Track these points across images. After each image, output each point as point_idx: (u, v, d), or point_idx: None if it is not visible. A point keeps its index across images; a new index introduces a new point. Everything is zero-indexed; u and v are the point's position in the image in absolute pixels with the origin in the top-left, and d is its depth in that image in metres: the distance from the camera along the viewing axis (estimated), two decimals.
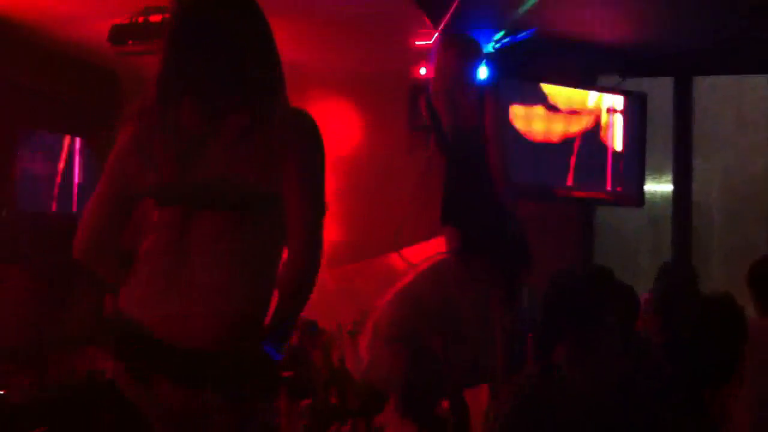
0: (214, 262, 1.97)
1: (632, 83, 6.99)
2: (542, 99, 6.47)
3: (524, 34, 5.85)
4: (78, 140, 6.46)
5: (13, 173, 5.92)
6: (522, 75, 6.16)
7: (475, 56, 3.85)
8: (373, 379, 3.39)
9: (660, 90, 7.11)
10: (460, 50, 3.80)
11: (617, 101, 6.73)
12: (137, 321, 1.97)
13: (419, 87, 6.06)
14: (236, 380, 1.96)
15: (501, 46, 6.01)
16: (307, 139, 2.06)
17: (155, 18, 5.27)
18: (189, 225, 2.00)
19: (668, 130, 7.16)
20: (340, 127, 7.13)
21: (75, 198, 6.61)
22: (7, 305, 5.27)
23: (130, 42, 5.31)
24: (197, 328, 1.93)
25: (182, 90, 2.04)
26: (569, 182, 6.59)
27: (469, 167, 3.60)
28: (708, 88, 7.25)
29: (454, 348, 3.32)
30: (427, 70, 5.95)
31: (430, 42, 5.66)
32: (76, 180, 6.58)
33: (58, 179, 6.44)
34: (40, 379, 4.67)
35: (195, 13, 2.07)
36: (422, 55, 6.00)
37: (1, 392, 4.43)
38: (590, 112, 6.64)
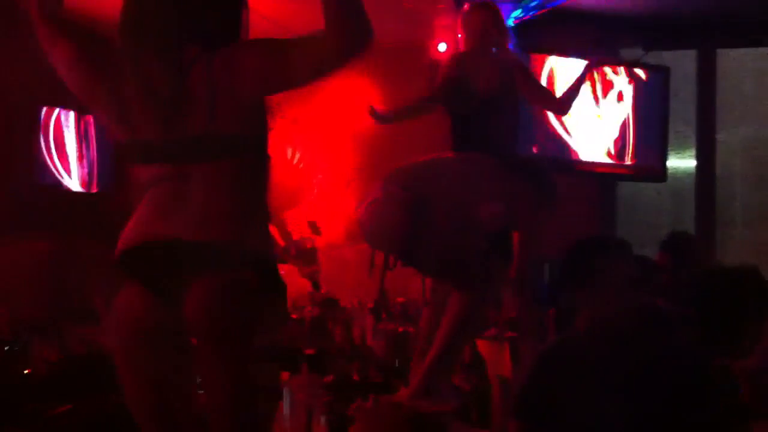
0: (210, 205, 2.01)
1: (654, 56, 6.91)
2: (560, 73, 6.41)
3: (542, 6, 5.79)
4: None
5: (35, 149, 5.98)
6: (542, 49, 6.10)
7: (504, 22, 3.89)
8: (376, 233, 3.41)
9: (682, 62, 7.04)
10: (492, 14, 3.82)
11: (640, 75, 6.65)
12: (147, 242, 2.02)
13: (438, 63, 6.03)
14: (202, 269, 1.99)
15: (520, 21, 5.96)
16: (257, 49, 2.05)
17: None
18: (179, 177, 2.02)
19: (691, 104, 7.09)
20: (359, 103, 7.11)
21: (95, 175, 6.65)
22: (29, 277, 5.33)
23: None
24: (164, 233, 2.00)
25: (144, 44, 2.04)
26: (591, 157, 6.54)
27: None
28: (728, 60, 7.15)
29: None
30: (448, 43, 5.92)
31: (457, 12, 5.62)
32: (93, 156, 6.63)
33: (78, 155, 6.48)
34: (61, 352, 4.71)
35: None
36: (441, 30, 5.96)
37: (27, 371, 4.47)
38: (612, 86, 6.57)
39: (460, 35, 3.92)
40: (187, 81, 2.01)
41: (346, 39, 2.00)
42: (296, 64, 2.05)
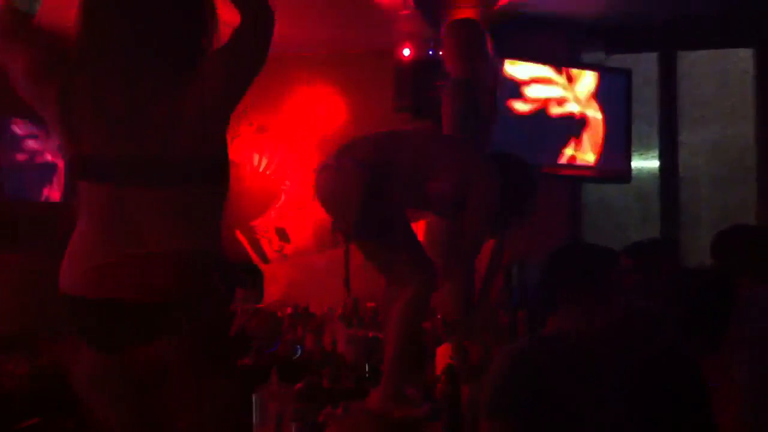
0: (157, 233, 1.94)
1: (616, 59, 7.00)
2: (525, 78, 6.46)
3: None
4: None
5: (1, 162, 5.91)
6: (504, 55, 6.14)
7: (484, 37, 3.94)
8: (328, 199, 3.38)
9: (643, 65, 7.13)
10: (475, 32, 3.89)
11: (601, 78, 6.72)
12: (86, 298, 1.93)
13: (403, 68, 6.06)
14: (194, 320, 1.95)
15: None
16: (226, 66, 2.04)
17: None
18: (125, 200, 1.95)
19: (653, 105, 7.19)
20: (325, 110, 7.12)
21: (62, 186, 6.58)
22: (3, 293, 5.28)
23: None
24: (151, 284, 1.91)
25: (101, 54, 1.98)
26: (555, 160, 6.59)
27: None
28: (691, 60, 7.25)
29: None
30: (411, 48, 5.95)
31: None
32: (60, 167, 6.55)
33: (41, 166, 6.41)
34: (32, 367, 4.67)
35: None
36: (405, 36, 5.99)
37: None
38: (574, 89, 6.63)
39: (443, 51, 3.97)
40: (152, 100, 1.96)
41: (254, 13, 2.09)
42: (237, 58, 2.06)
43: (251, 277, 4.62)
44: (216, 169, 2.03)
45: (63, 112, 1.96)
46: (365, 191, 3.23)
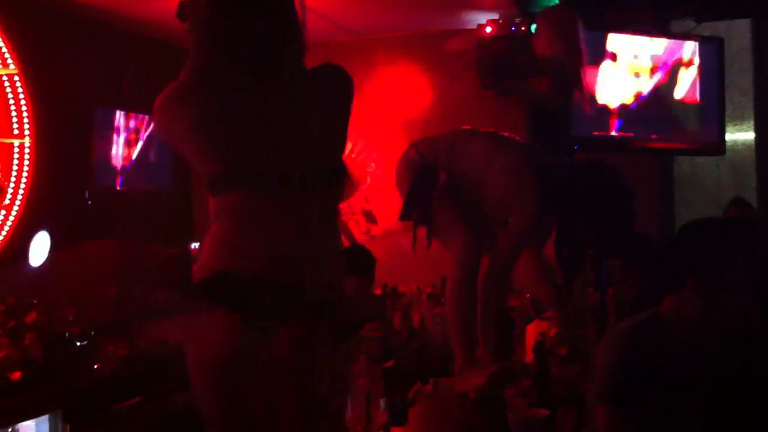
0: (297, 232, 2.05)
1: (707, 27, 6.77)
2: (614, 50, 6.32)
3: None
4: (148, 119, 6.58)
5: (91, 153, 6.09)
6: (590, 26, 6.02)
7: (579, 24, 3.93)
8: (396, 182, 3.59)
9: (736, 32, 6.88)
10: (572, 21, 3.88)
11: (692, 47, 6.53)
12: (241, 271, 2.03)
13: (485, 45, 6.01)
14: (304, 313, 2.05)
15: None
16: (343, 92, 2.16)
17: None
18: (267, 204, 2.05)
19: (748, 74, 6.94)
20: (410, 91, 7.12)
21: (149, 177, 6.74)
22: (99, 280, 5.47)
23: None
24: (298, 269, 2.02)
25: (229, 78, 2.07)
26: (646, 133, 6.45)
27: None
28: None
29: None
30: (492, 26, 5.89)
31: None
32: (151, 159, 6.71)
33: (133, 158, 6.57)
34: (131, 351, 4.83)
35: None
36: (488, 13, 5.94)
37: (96, 365, 4.60)
38: (664, 60, 6.46)
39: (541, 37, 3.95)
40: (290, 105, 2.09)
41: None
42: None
43: (364, 262, 4.69)
44: (338, 176, 2.17)
45: (199, 137, 2.06)
46: (415, 179, 3.45)
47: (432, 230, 3.50)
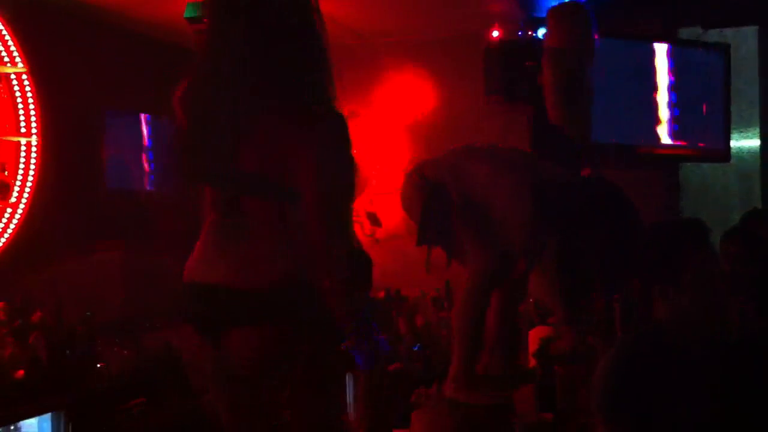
0: (263, 231, 2.07)
1: (714, 34, 6.77)
2: (619, 56, 6.32)
3: None
4: (160, 120, 6.59)
5: (103, 154, 6.10)
6: (600, 32, 6.01)
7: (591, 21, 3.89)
8: (404, 207, 3.64)
9: (744, 40, 6.87)
10: (584, 17, 3.84)
11: (699, 54, 6.52)
12: (197, 282, 2.08)
13: (492, 50, 6.01)
14: (294, 313, 2.05)
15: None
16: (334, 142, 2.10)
17: None
18: (238, 205, 2.09)
19: (754, 82, 6.93)
20: (416, 95, 7.12)
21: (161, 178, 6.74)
22: (106, 282, 5.48)
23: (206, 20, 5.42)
24: (254, 274, 2.03)
25: (228, 81, 2.07)
26: (652, 140, 6.44)
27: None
28: None
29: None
30: (500, 30, 5.89)
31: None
32: (163, 160, 6.70)
33: (143, 159, 6.58)
34: (136, 352, 4.84)
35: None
36: (494, 17, 5.94)
37: (100, 365, 4.61)
38: (671, 67, 6.46)
39: (550, 32, 3.92)
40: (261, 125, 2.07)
41: None
42: None
43: (360, 264, 4.68)
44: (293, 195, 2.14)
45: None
46: (426, 202, 3.47)
47: (451, 251, 3.51)
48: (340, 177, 2.09)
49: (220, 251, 2.08)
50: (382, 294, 6.42)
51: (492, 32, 5.97)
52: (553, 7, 4.01)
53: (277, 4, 2.09)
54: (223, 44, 2.09)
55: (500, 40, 5.99)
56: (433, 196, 3.46)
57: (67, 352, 4.46)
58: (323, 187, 2.05)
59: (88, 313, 4.81)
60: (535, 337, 4.04)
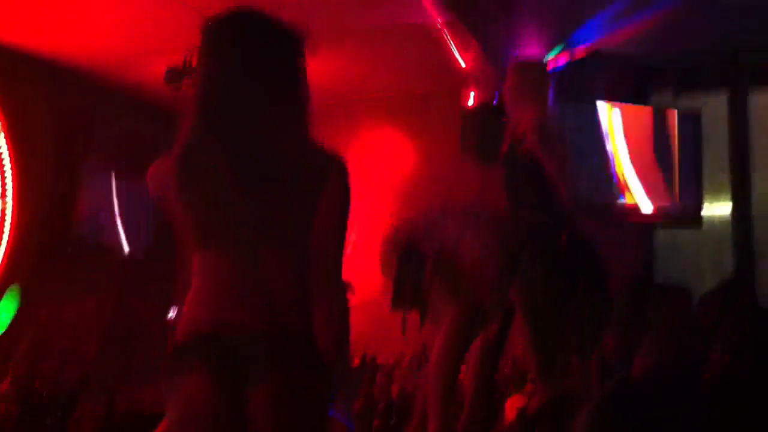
0: (257, 280, 2.03)
1: (685, 100, 6.90)
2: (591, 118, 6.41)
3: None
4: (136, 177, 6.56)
5: (78, 210, 6.07)
6: (572, 95, 6.11)
7: (549, 80, 3.96)
8: (382, 270, 3.70)
9: (714, 105, 7.00)
10: (541, 74, 3.91)
11: (671, 119, 6.63)
12: (189, 321, 2.03)
13: (469, 114, 6.07)
14: (278, 362, 1.98)
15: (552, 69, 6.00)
16: (338, 185, 2.15)
17: None
18: (233, 256, 2.04)
19: (724, 147, 7.02)
20: (393, 152, 7.14)
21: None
22: (82, 337, 5.40)
23: (186, 80, 5.47)
24: (240, 321, 1.99)
25: (211, 133, 2.05)
26: (625, 204, 6.50)
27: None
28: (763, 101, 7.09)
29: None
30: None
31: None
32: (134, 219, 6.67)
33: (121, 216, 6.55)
34: (110, 408, 4.74)
35: (229, 44, 2.06)
36: (470, 76, 6.01)
37: (73, 424, 4.50)
38: (642, 130, 6.56)
39: (505, 88, 3.97)
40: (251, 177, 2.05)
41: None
42: None
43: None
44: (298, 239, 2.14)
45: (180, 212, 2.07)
46: (399, 267, 3.55)
47: (425, 314, 3.49)
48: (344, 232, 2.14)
49: (239, 297, 2.03)
50: (357, 361, 6.33)
51: (468, 92, 6.04)
52: (515, 62, 4.10)
53: (269, 62, 2.09)
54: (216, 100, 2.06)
55: (475, 104, 6.05)
56: (406, 260, 3.51)
57: (39, 407, 4.36)
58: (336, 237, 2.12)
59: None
60: (512, 406, 4.00)
